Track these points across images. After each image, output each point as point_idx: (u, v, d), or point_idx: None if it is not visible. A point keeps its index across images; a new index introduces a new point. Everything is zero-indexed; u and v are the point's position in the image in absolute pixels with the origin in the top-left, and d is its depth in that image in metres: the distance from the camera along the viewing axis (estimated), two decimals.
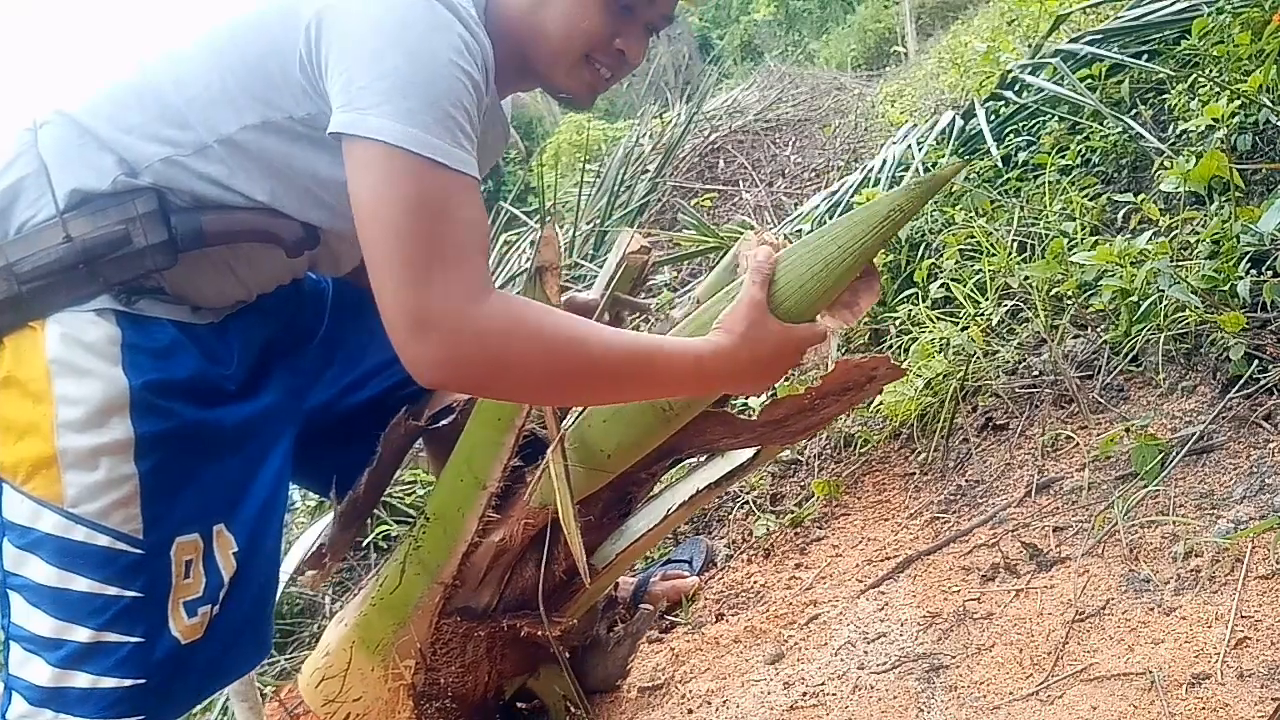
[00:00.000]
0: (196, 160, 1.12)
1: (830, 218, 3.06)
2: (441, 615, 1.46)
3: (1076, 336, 1.87)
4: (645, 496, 1.61)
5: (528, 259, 4.60)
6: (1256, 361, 1.55)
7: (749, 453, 1.56)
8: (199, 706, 2.28)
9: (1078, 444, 1.68)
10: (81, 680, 1.10)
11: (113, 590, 1.11)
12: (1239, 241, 1.68)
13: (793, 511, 2.00)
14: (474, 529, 1.41)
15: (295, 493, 2.95)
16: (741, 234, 2.96)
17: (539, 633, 1.44)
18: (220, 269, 1.21)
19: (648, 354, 1.07)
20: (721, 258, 3.02)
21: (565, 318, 1.06)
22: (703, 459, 1.67)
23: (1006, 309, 2.02)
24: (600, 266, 4.05)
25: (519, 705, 1.66)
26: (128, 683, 1.12)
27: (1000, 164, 2.59)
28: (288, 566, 2.22)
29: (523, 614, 1.47)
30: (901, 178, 2.99)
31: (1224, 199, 1.83)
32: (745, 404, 2.04)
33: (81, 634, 1.10)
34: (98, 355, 1.10)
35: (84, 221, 1.09)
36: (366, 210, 1.01)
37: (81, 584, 1.09)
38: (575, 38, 1.18)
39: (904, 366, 1.87)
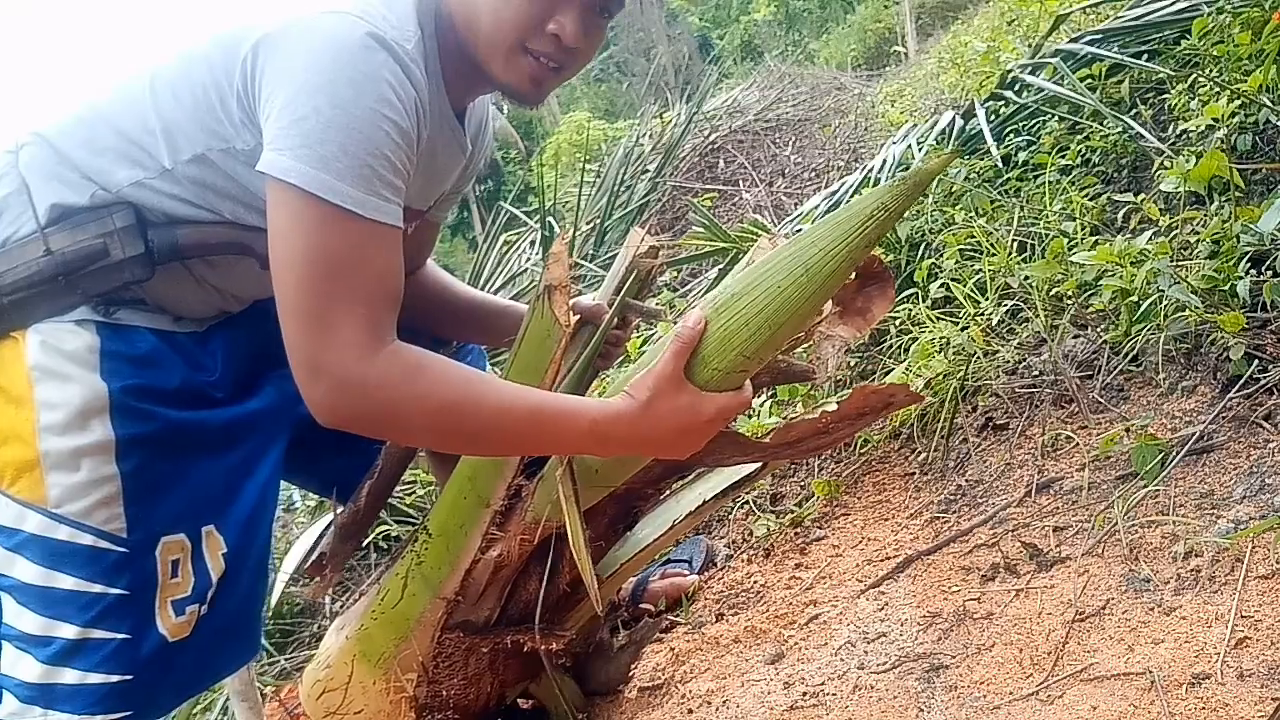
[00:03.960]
0: (162, 183, 1.15)
1: None
2: (444, 630, 1.45)
3: (1076, 336, 1.87)
4: (649, 510, 1.61)
5: (528, 259, 4.60)
6: (1256, 361, 1.55)
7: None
8: (199, 706, 2.29)
9: (1078, 444, 1.68)
10: (69, 676, 1.12)
11: (98, 588, 1.12)
12: (1239, 241, 1.68)
13: (793, 511, 2.00)
14: (476, 545, 1.41)
15: (295, 492, 2.95)
16: (753, 235, 2.96)
17: (542, 646, 1.44)
18: (199, 281, 1.23)
19: (540, 414, 1.06)
20: (732, 259, 2.99)
21: (461, 375, 1.06)
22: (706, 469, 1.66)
23: (1006, 309, 2.02)
24: (599, 266, 4.05)
25: (519, 702, 1.67)
26: (114, 679, 1.14)
27: (1000, 164, 2.59)
28: (288, 566, 2.22)
29: (525, 627, 1.47)
30: None
31: (1224, 199, 1.83)
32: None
33: (68, 631, 1.11)
34: (77, 362, 1.13)
35: (63, 236, 1.12)
36: (276, 251, 1.04)
37: (67, 582, 1.11)
38: (504, 24, 1.15)
39: (914, 387, 1.84)
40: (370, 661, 1.47)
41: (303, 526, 2.76)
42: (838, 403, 1.27)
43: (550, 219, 4.52)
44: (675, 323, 1.10)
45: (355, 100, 1.02)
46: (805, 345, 1.33)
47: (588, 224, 4.78)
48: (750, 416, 2.08)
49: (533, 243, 4.72)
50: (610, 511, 1.46)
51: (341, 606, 1.67)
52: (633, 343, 2.36)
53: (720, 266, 3.12)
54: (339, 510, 1.50)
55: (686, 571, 1.94)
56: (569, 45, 1.17)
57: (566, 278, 1.25)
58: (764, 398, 2.20)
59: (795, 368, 1.36)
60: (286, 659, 2.46)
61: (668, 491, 1.62)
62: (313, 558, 1.53)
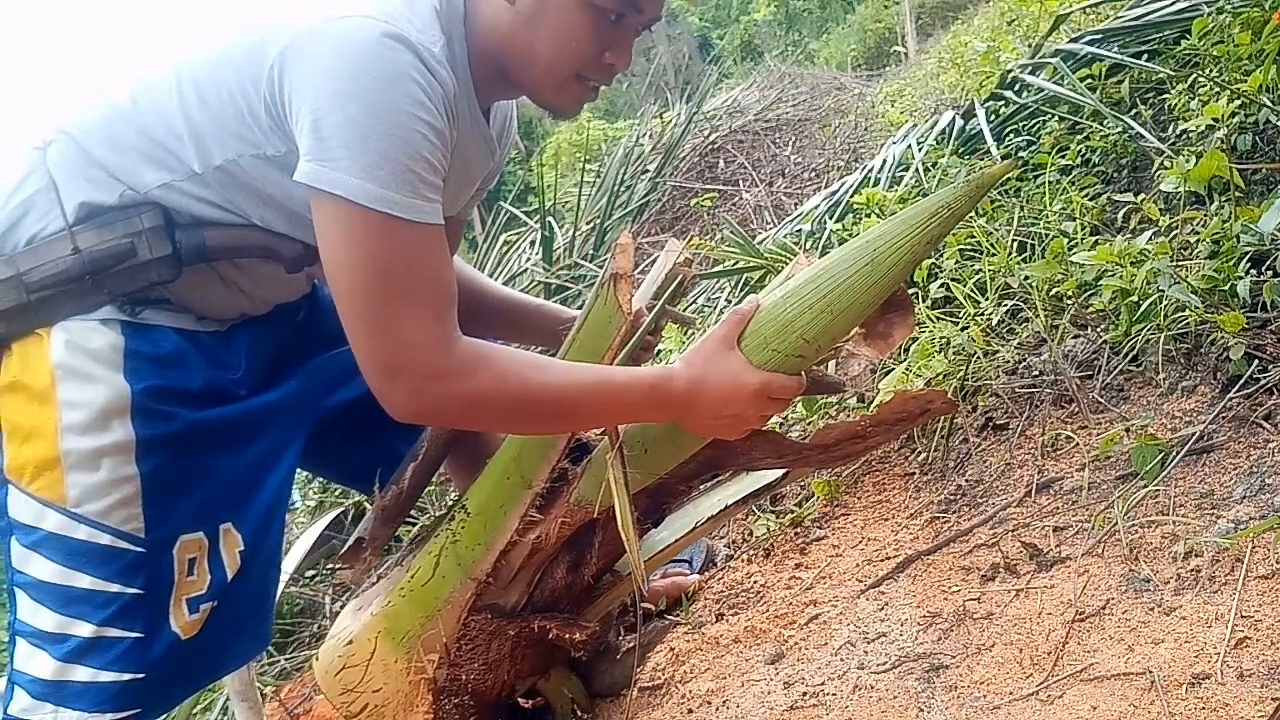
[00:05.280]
0: (190, 185, 1.15)
1: (830, 218, 3.07)
2: (471, 611, 1.46)
3: (1076, 336, 1.87)
4: (676, 509, 1.62)
5: (527, 259, 4.61)
6: (1256, 361, 1.55)
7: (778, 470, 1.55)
8: (199, 707, 2.29)
9: (1078, 444, 1.68)
10: (82, 674, 1.13)
11: (115, 587, 1.13)
12: (1239, 241, 1.68)
13: (793, 511, 2.01)
14: (514, 527, 1.42)
15: (296, 492, 2.95)
16: (785, 255, 2.96)
17: (566, 635, 1.44)
18: (224, 282, 1.24)
19: (604, 386, 1.14)
20: (763, 278, 2.99)
21: (529, 360, 1.12)
22: (727, 473, 1.67)
23: (1006, 309, 2.02)
24: (599, 266, 4.05)
25: (520, 702, 1.67)
26: (126, 677, 1.15)
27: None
28: (288, 566, 2.22)
29: (551, 615, 1.48)
30: (901, 178, 2.99)
31: (1224, 199, 1.83)
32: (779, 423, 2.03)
33: (84, 629, 1.12)
34: (100, 361, 1.13)
35: (91, 234, 1.13)
36: (331, 264, 1.06)
37: (84, 581, 1.12)
38: (565, 58, 1.18)
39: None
40: (394, 639, 1.46)
41: (303, 526, 2.76)
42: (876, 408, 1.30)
43: (550, 219, 4.52)
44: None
45: (387, 104, 1.03)
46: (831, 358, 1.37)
47: (588, 224, 4.79)
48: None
49: (532, 243, 4.73)
50: (641, 506, 1.47)
51: (342, 606, 1.66)
52: None
53: (749, 280, 3.11)
54: (382, 493, 1.50)
55: (687, 571, 1.94)
56: (620, 70, 1.23)
57: (630, 267, 1.29)
58: None
59: (828, 379, 1.40)
60: (286, 659, 2.46)
61: (695, 491, 1.63)
62: (350, 542, 1.52)
